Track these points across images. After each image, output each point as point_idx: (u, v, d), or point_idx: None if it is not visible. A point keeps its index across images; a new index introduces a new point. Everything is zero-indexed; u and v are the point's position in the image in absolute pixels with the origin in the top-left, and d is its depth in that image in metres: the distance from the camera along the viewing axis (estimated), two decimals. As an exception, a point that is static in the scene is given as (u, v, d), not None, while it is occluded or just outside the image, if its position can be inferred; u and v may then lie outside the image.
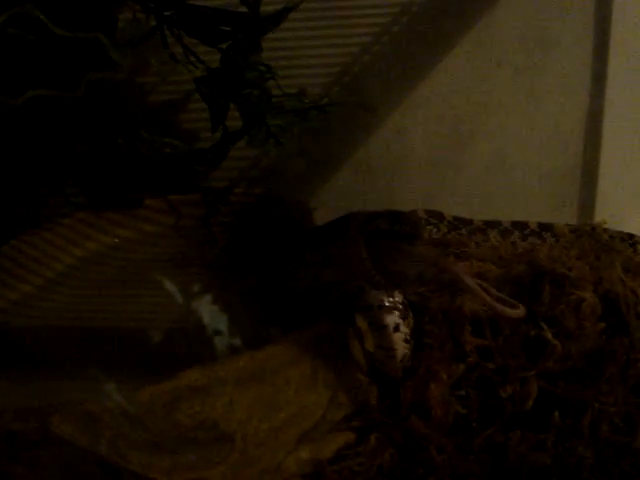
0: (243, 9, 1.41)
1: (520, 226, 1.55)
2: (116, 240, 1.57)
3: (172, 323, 1.24)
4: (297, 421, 1.05)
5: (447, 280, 1.02)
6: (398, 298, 1.16)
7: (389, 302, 1.14)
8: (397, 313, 1.14)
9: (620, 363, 1.12)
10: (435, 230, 1.52)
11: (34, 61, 1.29)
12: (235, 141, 1.51)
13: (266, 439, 1.00)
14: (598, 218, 1.67)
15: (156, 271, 1.43)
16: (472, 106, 1.81)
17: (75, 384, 1.07)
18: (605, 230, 1.51)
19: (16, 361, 1.16)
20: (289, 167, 1.82)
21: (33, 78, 1.28)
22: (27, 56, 1.28)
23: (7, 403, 0.97)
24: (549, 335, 1.13)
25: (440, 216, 1.54)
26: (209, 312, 1.18)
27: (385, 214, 1.04)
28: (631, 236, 1.51)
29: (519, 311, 1.00)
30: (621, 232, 1.52)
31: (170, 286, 1.30)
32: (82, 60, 1.30)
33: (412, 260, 1.02)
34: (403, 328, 1.13)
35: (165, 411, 0.95)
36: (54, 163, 1.59)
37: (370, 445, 1.11)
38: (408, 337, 1.14)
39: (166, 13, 1.43)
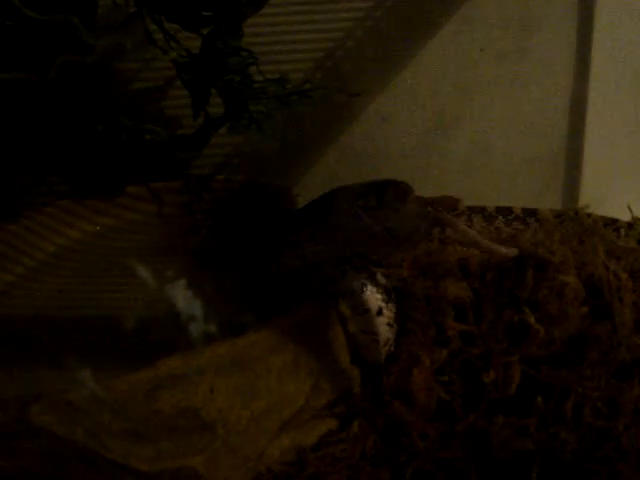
0: (224, -6, 1.40)
1: (504, 211, 1.55)
2: (98, 228, 1.56)
3: (154, 311, 1.24)
4: (279, 408, 1.05)
5: (442, 229, 1.12)
6: (381, 282, 1.16)
7: (372, 286, 1.13)
8: (380, 297, 1.13)
9: (603, 347, 1.12)
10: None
11: (4, 44, 1.28)
12: (217, 127, 1.50)
13: (248, 427, 1.00)
14: (582, 202, 1.67)
15: (138, 259, 1.42)
16: (456, 91, 1.80)
17: (56, 373, 1.06)
18: (589, 215, 1.51)
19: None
20: (271, 153, 1.81)
21: (2, 62, 1.27)
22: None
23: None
24: (532, 320, 1.13)
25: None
26: (191, 300, 1.17)
27: (372, 189, 1.04)
28: (614, 220, 1.52)
29: (513, 250, 1.04)
30: (604, 216, 1.52)
31: (152, 274, 1.29)
32: (55, 44, 1.29)
33: (406, 216, 1.02)
34: (386, 312, 1.13)
35: (146, 399, 0.94)
36: (35, 151, 1.58)
37: (353, 431, 1.11)
38: (391, 321, 1.14)
39: (146, -2, 1.41)
